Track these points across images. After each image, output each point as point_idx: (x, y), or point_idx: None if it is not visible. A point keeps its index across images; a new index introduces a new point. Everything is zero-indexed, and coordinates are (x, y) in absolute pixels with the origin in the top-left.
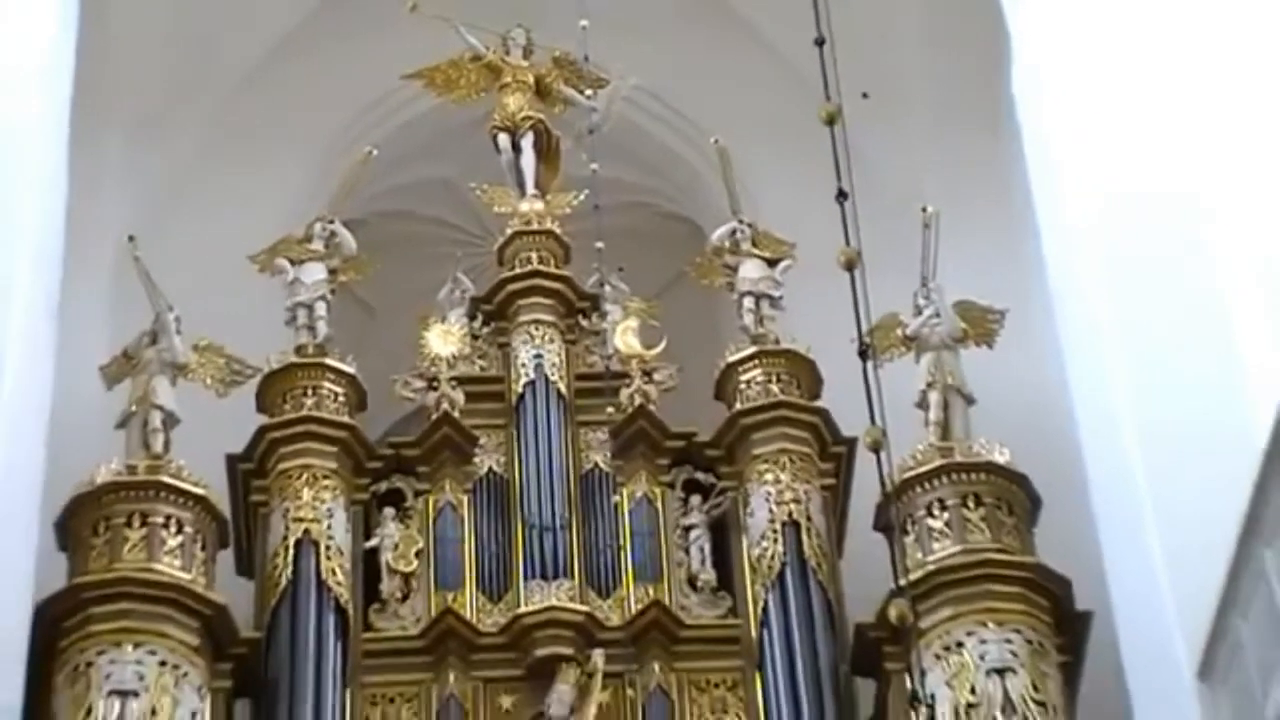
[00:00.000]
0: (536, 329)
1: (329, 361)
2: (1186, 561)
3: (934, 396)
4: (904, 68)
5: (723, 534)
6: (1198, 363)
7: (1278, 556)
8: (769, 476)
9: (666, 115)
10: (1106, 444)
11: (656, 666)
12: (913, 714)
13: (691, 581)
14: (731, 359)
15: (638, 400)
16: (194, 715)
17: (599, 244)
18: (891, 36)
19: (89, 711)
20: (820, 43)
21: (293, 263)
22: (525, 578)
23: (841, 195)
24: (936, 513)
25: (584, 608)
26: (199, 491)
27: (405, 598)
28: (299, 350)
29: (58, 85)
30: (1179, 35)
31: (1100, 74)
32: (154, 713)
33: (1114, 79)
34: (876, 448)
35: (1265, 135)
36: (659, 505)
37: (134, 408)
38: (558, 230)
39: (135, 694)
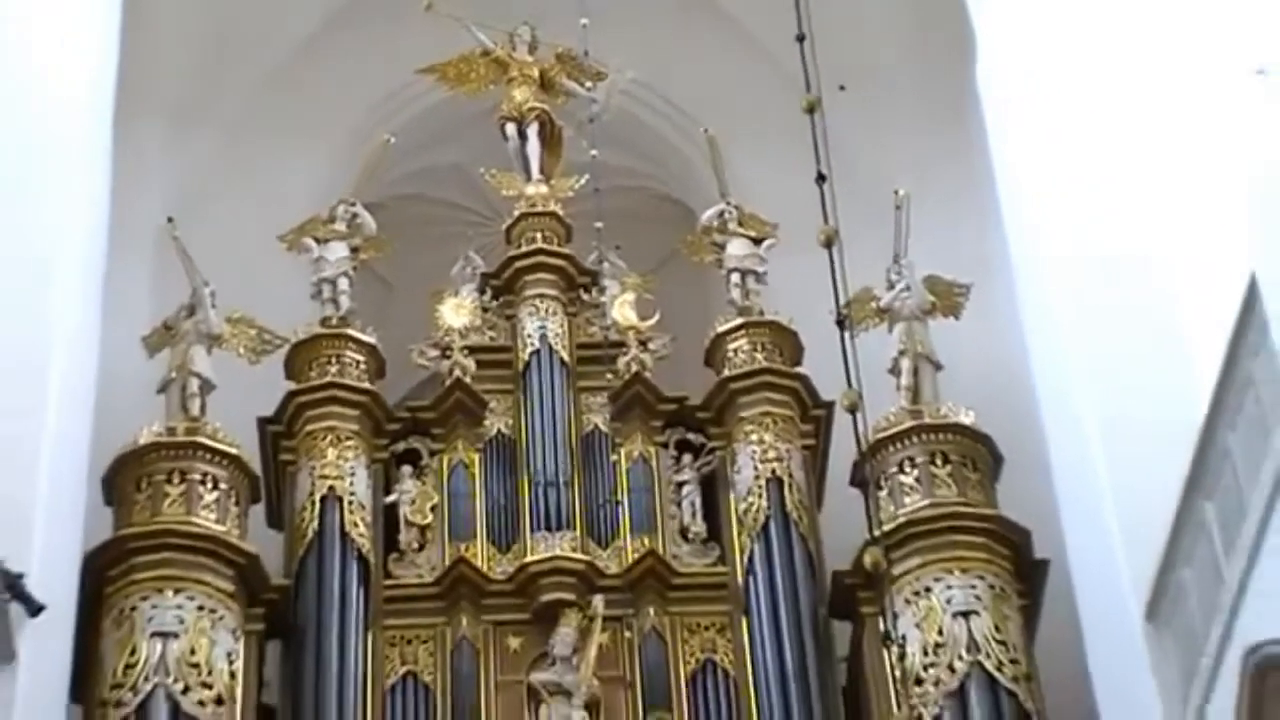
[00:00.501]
0: (541, 302)
1: (351, 332)
2: (1135, 514)
3: (905, 363)
4: (878, 62)
5: (712, 489)
6: (1145, 335)
7: (1217, 509)
8: (754, 437)
9: (660, 106)
10: (1062, 407)
11: (651, 611)
12: (885, 653)
13: (683, 533)
14: (720, 329)
15: (634, 367)
16: (229, 655)
17: (598, 224)
18: (867, 32)
19: (133, 651)
20: (801, 39)
21: (318, 242)
22: (531, 529)
23: (820, 178)
24: (907, 469)
25: (585, 557)
26: (233, 451)
27: (421, 548)
28: (324, 322)
29: (102, 78)
30: (1131, 33)
31: (1058, 71)
32: (192, 653)
33: (1071, 76)
34: (853, 410)
35: (1205, 122)
36: (653, 463)
37: (173, 375)
38: (560, 212)
39: (175, 636)
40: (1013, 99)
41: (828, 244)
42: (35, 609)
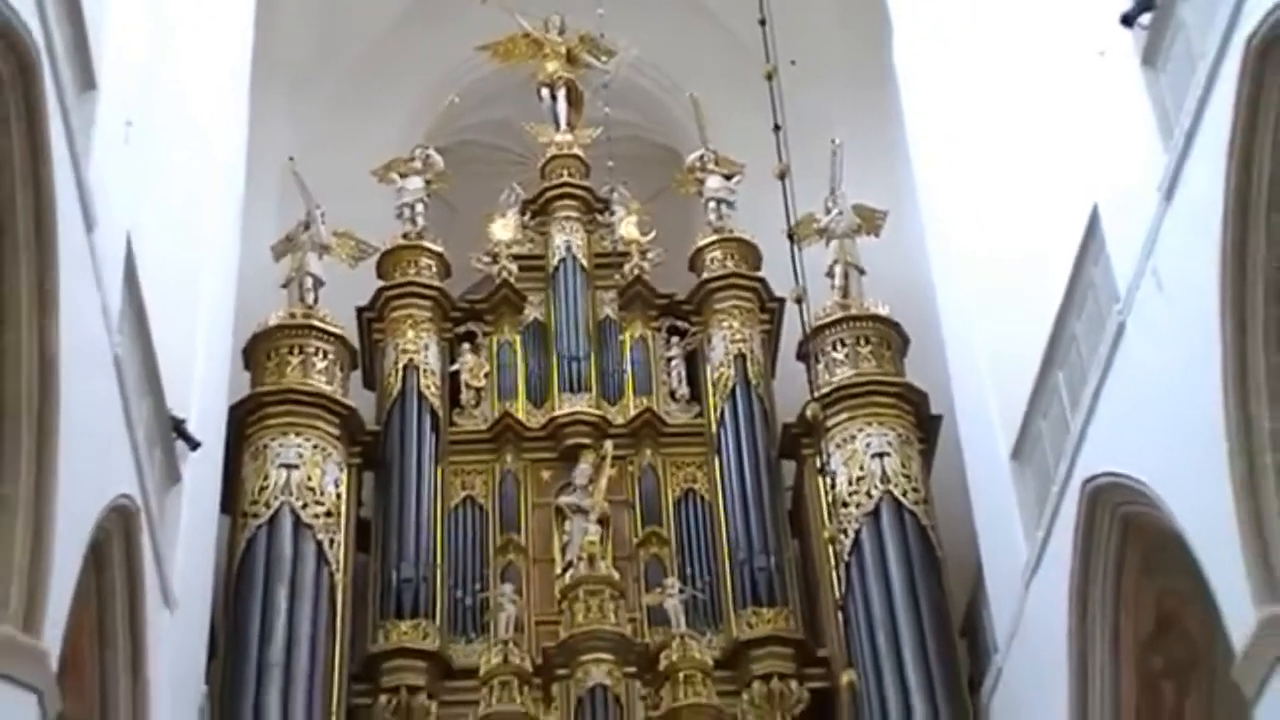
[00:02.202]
0: (566, 222)
1: (425, 244)
2: (1005, 381)
3: (838, 270)
4: (820, 40)
5: (693, 362)
6: (1016, 248)
7: (1065, 377)
8: (725, 324)
9: (656, 75)
10: (953, 302)
11: (648, 452)
12: (820, 484)
13: (672, 394)
14: (700, 244)
15: (636, 272)
16: (335, 482)
17: (609, 164)
18: (812, 18)
19: (265, 478)
20: (762, 23)
21: (400, 176)
22: (559, 391)
23: (776, 128)
24: (838, 348)
25: (598, 412)
26: (337, 331)
27: (477, 404)
28: (404, 236)
29: (240, 48)
30: (1009, 15)
31: (954, 47)
32: (309, 479)
33: (964, 51)
34: (799, 301)
35: (1062, 88)
36: (650, 343)
37: (293, 275)
38: (581, 154)
39: (296, 467)
40: (920, 69)
41: (781, 177)
42: (194, 445)
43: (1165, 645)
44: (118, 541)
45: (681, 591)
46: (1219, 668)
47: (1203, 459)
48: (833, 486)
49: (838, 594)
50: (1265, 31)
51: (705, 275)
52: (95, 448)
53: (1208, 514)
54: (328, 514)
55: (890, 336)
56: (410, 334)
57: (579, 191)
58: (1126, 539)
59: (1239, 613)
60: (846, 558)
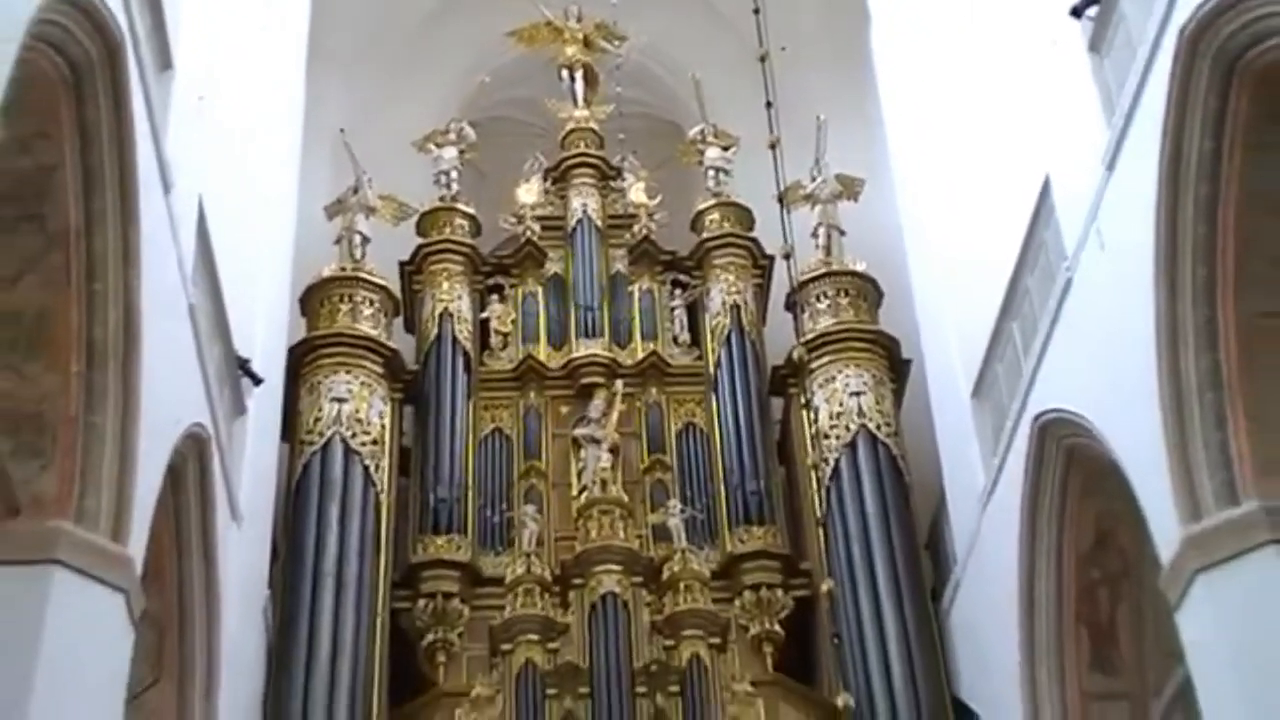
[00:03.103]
0: (583, 188)
1: (459, 206)
2: (967, 330)
3: (821, 231)
4: (808, 28)
5: (694, 312)
6: (977, 211)
7: (1019, 327)
8: (722, 278)
9: (662, 59)
10: (922, 260)
11: (653, 390)
12: (804, 418)
13: (675, 340)
14: (700, 207)
15: (644, 232)
16: (380, 414)
17: (621, 136)
18: (801, 7)
19: (319, 410)
20: (756, 11)
21: (437, 146)
22: (576, 336)
23: (768, 105)
24: (821, 300)
25: (610, 354)
26: (382, 283)
27: (504, 347)
28: (441, 199)
29: (298, 30)
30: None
31: (926, 35)
32: (357, 412)
33: (934, 38)
34: (787, 258)
35: (1019, 72)
36: (655, 294)
37: (343, 233)
38: (596, 128)
39: (346, 400)
40: (895, 55)
41: (772, 148)
42: (257, 381)
43: (1102, 559)
44: (192, 464)
45: (682, 511)
46: (1147, 578)
47: (1137, 397)
48: (815, 420)
49: (819, 514)
50: (1196, 23)
51: (704, 235)
52: (172, 383)
53: (1140, 445)
54: (373, 442)
55: (867, 290)
56: (445, 285)
57: (594, 161)
58: (1070, 467)
59: (1165, 531)
60: (827, 483)
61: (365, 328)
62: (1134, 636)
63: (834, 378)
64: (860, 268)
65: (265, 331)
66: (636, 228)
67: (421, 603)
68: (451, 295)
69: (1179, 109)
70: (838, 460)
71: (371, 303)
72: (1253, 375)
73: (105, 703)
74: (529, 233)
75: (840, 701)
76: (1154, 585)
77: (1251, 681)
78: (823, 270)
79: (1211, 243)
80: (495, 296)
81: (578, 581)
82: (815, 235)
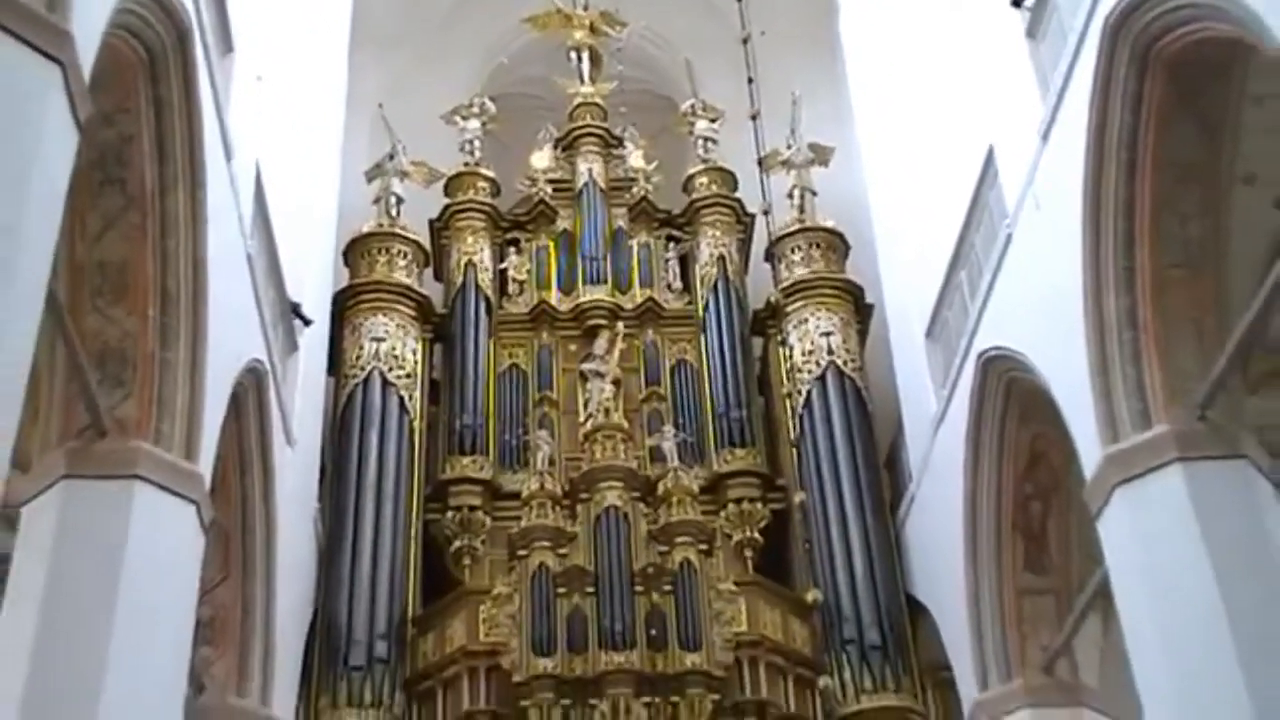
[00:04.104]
0: (589, 155)
1: (481, 171)
2: (922, 279)
3: (796, 192)
4: (784, 14)
5: (685, 263)
6: (929, 178)
7: (967, 276)
8: (710, 233)
9: (658, 42)
10: (884, 218)
11: (650, 330)
12: (781, 355)
13: (669, 287)
14: (690, 172)
15: (642, 193)
16: (413, 351)
17: (622, 110)
18: None
19: (360, 348)
20: (739, 0)
21: (462, 119)
22: (582, 283)
23: (750, 82)
24: (796, 252)
25: (613, 300)
26: (414, 238)
27: (520, 293)
28: (465, 165)
29: (341, 16)
30: None
31: (887, 22)
32: (393, 350)
33: (894, 25)
34: (766, 213)
35: (969, 55)
36: (652, 247)
37: (381, 194)
38: (600, 103)
39: (383, 340)
40: (861, 39)
41: (754, 119)
42: (307, 322)
43: (1035, 475)
44: (251, 394)
45: (675, 436)
46: (1073, 491)
47: (1066, 336)
48: (790, 357)
49: (793, 437)
50: (1117, 14)
51: (694, 196)
52: (233, 324)
53: (1069, 377)
54: (407, 376)
55: (836, 244)
56: (469, 240)
57: (598, 131)
58: (1009, 397)
59: (1089, 451)
60: (800, 410)
61: (400, 277)
62: (1061, 542)
63: (806, 320)
64: (830, 224)
65: (314, 279)
66: (635, 189)
67: (449, 514)
68: (474, 248)
69: (1103, 88)
70: (809, 391)
71: (405, 255)
72: (1164, 317)
73: (181, 597)
74: (542, 194)
75: (810, 597)
76: (1079, 498)
77: (1158, 576)
78: (797, 227)
79: (1130, 203)
80: (512, 249)
81: (584, 496)
82: (791, 196)
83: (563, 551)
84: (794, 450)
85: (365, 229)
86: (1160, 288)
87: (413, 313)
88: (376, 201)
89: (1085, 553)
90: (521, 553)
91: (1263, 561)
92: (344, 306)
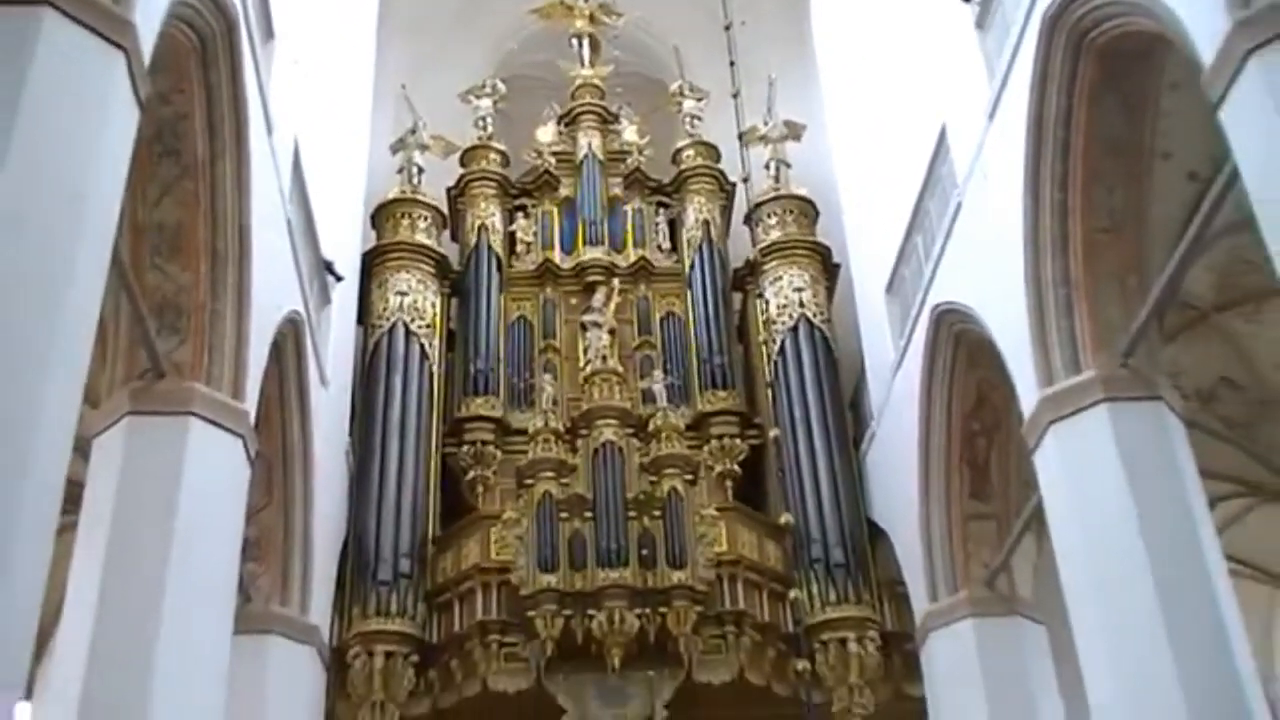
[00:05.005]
0: (589, 130)
1: (493, 144)
2: (882, 241)
3: (772, 164)
4: (764, 6)
5: (674, 226)
6: (881, 151)
7: (922, 239)
8: (695, 200)
9: (650, 30)
10: (850, 187)
11: (642, 286)
12: (758, 307)
13: (659, 248)
14: (678, 145)
15: (635, 164)
16: (432, 304)
17: (618, 90)
18: None
19: (385, 301)
20: None
21: (476, 98)
22: (583, 244)
23: (731, 64)
24: (772, 217)
25: (609, 258)
26: (434, 204)
27: (527, 253)
28: (478, 139)
29: (369, 5)
30: None
31: (855, 9)
32: (415, 303)
33: (861, 12)
34: (745, 180)
35: (928, 38)
36: (644, 212)
37: (404, 165)
38: (599, 84)
39: (406, 294)
40: (830, 30)
41: (735, 97)
42: (338, 278)
43: (980, 414)
44: (290, 341)
45: (664, 379)
46: (1013, 429)
47: (1009, 292)
48: (766, 310)
49: (768, 380)
50: (1055, 8)
51: (682, 167)
52: (275, 280)
53: (1010, 329)
54: (427, 326)
55: (807, 210)
56: (482, 205)
57: (597, 109)
58: (958, 346)
59: (1027, 393)
60: (775, 357)
61: (421, 238)
62: (1002, 473)
63: (781, 277)
64: (802, 193)
65: (344, 240)
66: (630, 161)
67: (465, 448)
68: (487, 213)
69: (1042, 74)
70: (783, 340)
71: (425, 219)
72: (1093, 276)
73: (230, 518)
74: (546, 165)
75: (782, 521)
76: (1017, 434)
77: (1084, 502)
78: (773, 194)
79: (1065, 175)
80: (520, 214)
81: (584, 432)
82: (767, 167)
83: (565, 481)
84: (769, 392)
85: (390, 196)
86: (1090, 250)
87: (432, 270)
88: (400, 172)
89: (1022, 482)
90: (528, 482)
91: (1174, 489)
92: (371, 264)
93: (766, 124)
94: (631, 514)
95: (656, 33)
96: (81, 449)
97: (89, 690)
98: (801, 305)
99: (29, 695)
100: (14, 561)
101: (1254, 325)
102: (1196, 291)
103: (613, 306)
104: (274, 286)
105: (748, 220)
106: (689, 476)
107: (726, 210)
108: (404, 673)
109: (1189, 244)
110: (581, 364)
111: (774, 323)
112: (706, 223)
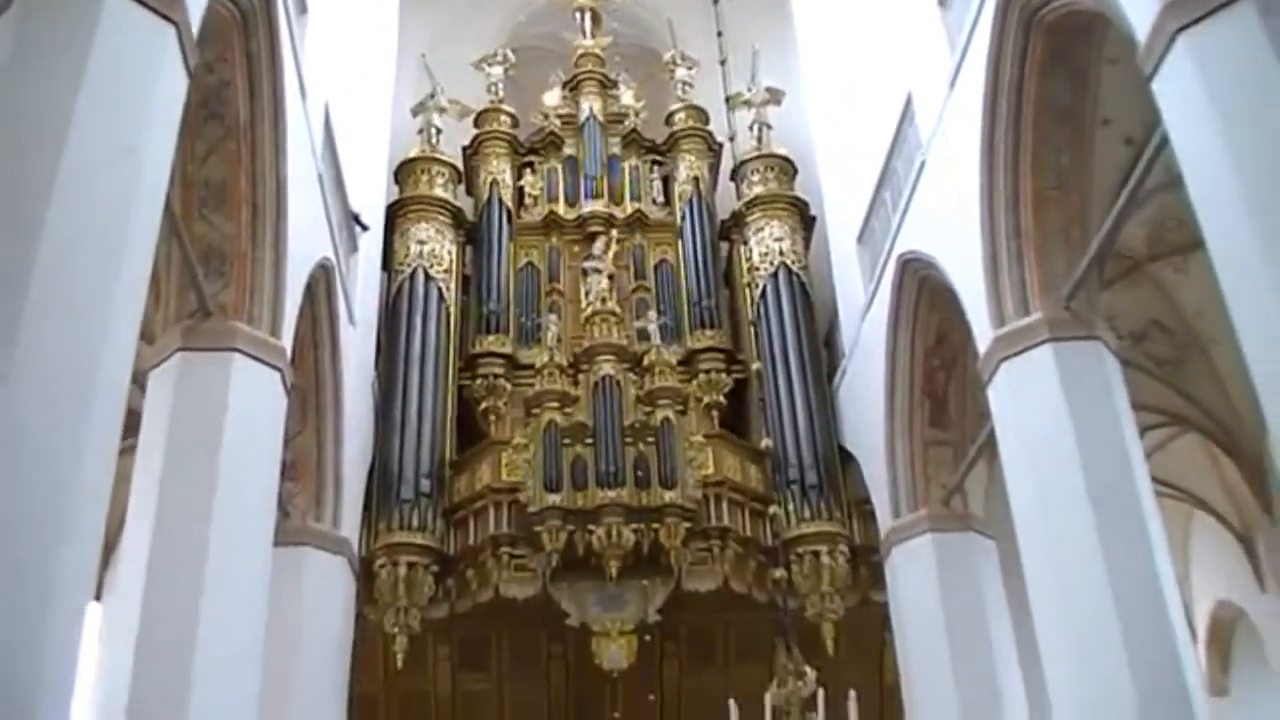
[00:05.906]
0: (590, 94)
1: (504, 107)
2: (854, 196)
3: (756, 125)
4: None
5: (667, 182)
6: (849, 120)
7: (889, 192)
8: (686, 158)
9: (646, 5)
10: (825, 147)
11: (638, 235)
12: (741, 254)
13: (654, 201)
14: (671, 109)
15: (633, 126)
16: (449, 251)
17: (617, 59)
18: None
19: (407, 249)
20: None
21: (489, 65)
22: (584, 198)
23: (719, 35)
24: (755, 174)
25: (608, 211)
26: (451, 161)
27: (535, 205)
28: (491, 103)
29: None
30: None
31: None
32: (434, 250)
33: None
34: (731, 139)
35: (899, 16)
36: (640, 169)
37: (424, 126)
38: (599, 53)
39: (425, 242)
40: (809, 4)
41: (722, 64)
42: (365, 228)
43: (940, 352)
44: (322, 284)
45: (658, 319)
46: (969, 365)
47: (966, 242)
48: (749, 257)
49: (751, 320)
50: None
51: (674, 128)
52: (308, 229)
53: (967, 275)
54: (445, 271)
55: (787, 167)
56: (494, 163)
57: (597, 76)
58: (921, 290)
59: (981, 332)
60: (757, 300)
61: (439, 192)
62: (959, 404)
63: (763, 229)
64: (782, 152)
65: (370, 194)
66: (627, 123)
67: (478, 381)
68: (498, 169)
69: (997, 47)
70: (765, 285)
71: (443, 175)
72: (1041, 229)
73: (270, 442)
74: (552, 126)
75: (763, 446)
76: (973, 369)
77: (1031, 431)
78: (756, 154)
79: (1017, 139)
80: (528, 170)
81: (585, 367)
82: (751, 129)
83: (568, 410)
84: (752, 331)
85: (411, 154)
86: (1039, 205)
87: (449, 221)
88: (420, 132)
89: (976, 412)
90: (535, 411)
91: (1109, 419)
92: (394, 216)
93: (750, 90)
94: (628, 440)
95: (652, 7)
96: (139, 381)
97: (149, 594)
98: (781, 254)
99: (98, 597)
100: (82, 480)
101: (1181, 275)
102: (1131, 244)
103: (611, 254)
104: (307, 236)
105: (733, 177)
106: (680, 407)
107: (714, 168)
108: (425, 581)
109: (1125, 201)
110: (583, 305)
111: (757, 269)
112: (696, 179)
